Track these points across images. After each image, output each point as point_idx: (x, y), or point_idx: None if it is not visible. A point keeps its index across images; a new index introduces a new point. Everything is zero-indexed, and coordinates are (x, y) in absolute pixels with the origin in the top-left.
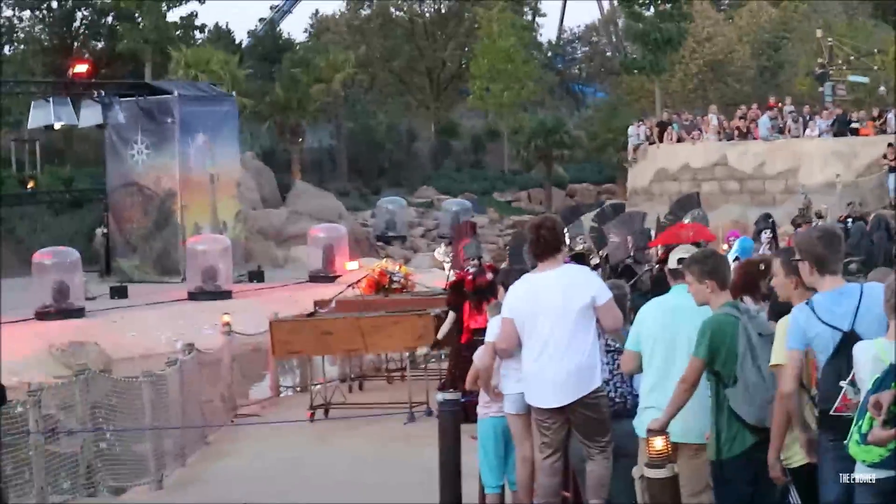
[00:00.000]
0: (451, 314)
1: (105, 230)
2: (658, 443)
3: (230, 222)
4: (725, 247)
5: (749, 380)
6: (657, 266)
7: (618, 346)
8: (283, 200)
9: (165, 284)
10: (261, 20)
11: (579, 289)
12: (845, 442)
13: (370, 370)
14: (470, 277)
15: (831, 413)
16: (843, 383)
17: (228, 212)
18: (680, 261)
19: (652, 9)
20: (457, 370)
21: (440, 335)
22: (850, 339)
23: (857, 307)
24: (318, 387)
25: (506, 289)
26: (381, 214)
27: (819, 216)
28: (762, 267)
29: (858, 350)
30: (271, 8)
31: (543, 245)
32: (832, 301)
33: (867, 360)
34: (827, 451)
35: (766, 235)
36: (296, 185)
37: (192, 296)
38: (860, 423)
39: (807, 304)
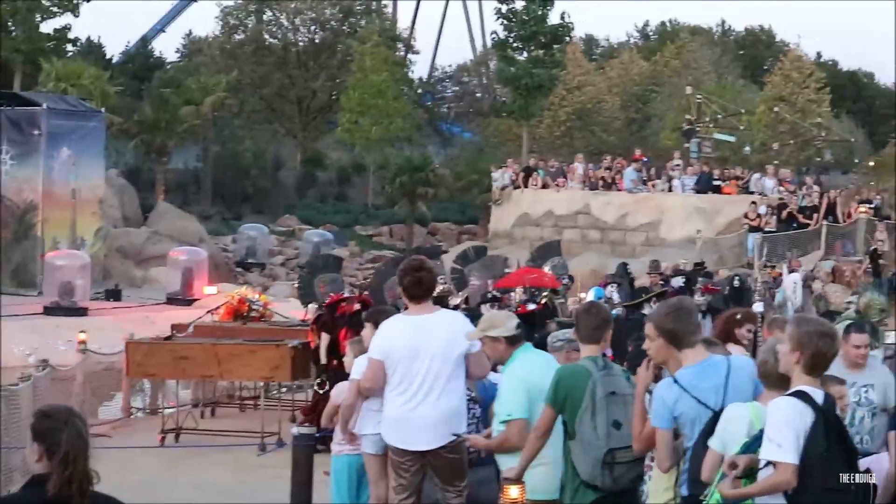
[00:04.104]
0: (325, 336)
1: None
2: (513, 491)
3: (90, 239)
4: (583, 295)
5: (584, 435)
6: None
7: (474, 394)
8: (144, 220)
9: (21, 297)
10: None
11: (459, 335)
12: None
13: (223, 397)
14: (344, 303)
15: (701, 498)
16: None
17: (89, 228)
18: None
19: (525, 54)
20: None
21: (323, 359)
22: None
23: (726, 383)
24: (170, 411)
25: (376, 327)
26: (243, 240)
27: (680, 272)
28: (738, 317)
29: (731, 410)
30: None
31: (425, 287)
32: (696, 375)
33: (741, 422)
34: None
35: (610, 289)
36: (158, 205)
37: (48, 310)
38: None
39: (674, 381)
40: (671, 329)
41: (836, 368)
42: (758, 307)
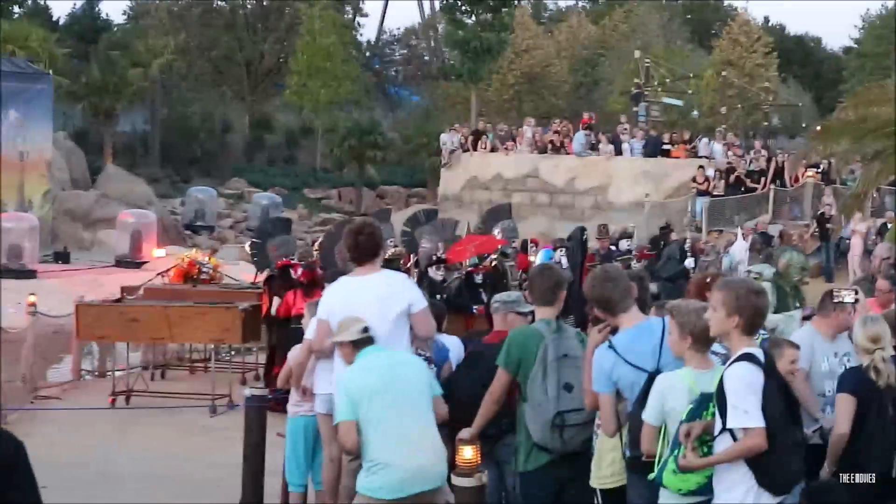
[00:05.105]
0: (277, 300)
1: None
2: (468, 452)
3: (38, 201)
4: (533, 258)
5: (535, 398)
6: (464, 277)
7: (427, 354)
8: (92, 183)
9: None
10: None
11: (397, 295)
12: (653, 474)
13: (173, 359)
14: (302, 268)
15: (644, 459)
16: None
17: (37, 191)
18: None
19: (473, 17)
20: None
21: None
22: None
23: (661, 344)
24: (120, 373)
25: None
26: (191, 203)
27: (627, 235)
28: (708, 280)
29: (665, 382)
30: None
31: (362, 250)
32: (632, 339)
33: (680, 392)
34: (638, 488)
35: (559, 253)
36: (107, 168)
37: None
38: (675, 453)
39: (609, 346)
40: (600, 296)
41: (817, 338)
42: (689, 263)
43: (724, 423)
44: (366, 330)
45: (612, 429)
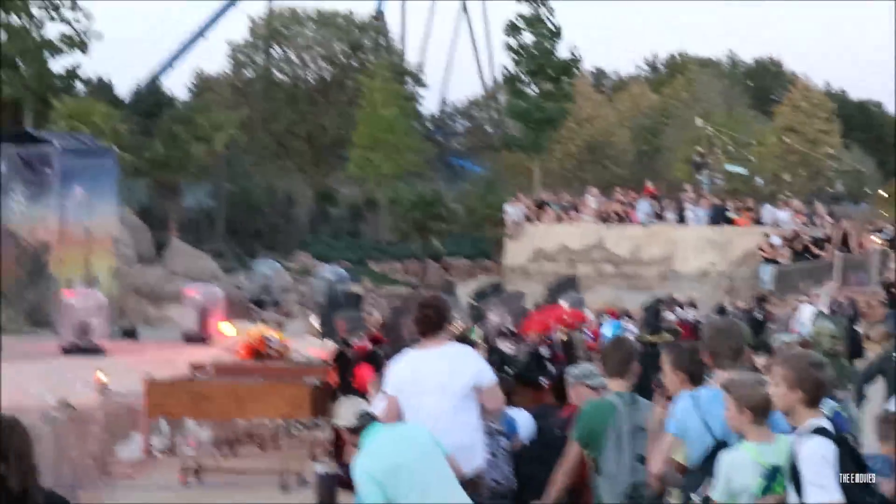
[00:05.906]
0: None
1: None
2: None
3: (104, 278)
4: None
5: (609, 470)
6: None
7: (498, 427)
8: (158, 258)
9: (37, 337)
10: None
11: (462, 369)
12: None
13: (243, 435)
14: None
15: None
16: (694, 497)
17: (103, 267)
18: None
19: (534, 87)
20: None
21: None
22: (721, 448)
23: None
24: (190, 450)
25: None
26: (257, 278)
27: (692, 305)
28: None
29: (730, 459)
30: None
31: (429, 323)
32: (714, 399)
33: (747, 467)
34: None
35: (627, 323)
36: (172, 243)
37: (66, 351)
38: None
39: (691, 396)
40: (708, 345)
41: None
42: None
43: (800, 499)
44: (366, 415)
45: (658, 468)
